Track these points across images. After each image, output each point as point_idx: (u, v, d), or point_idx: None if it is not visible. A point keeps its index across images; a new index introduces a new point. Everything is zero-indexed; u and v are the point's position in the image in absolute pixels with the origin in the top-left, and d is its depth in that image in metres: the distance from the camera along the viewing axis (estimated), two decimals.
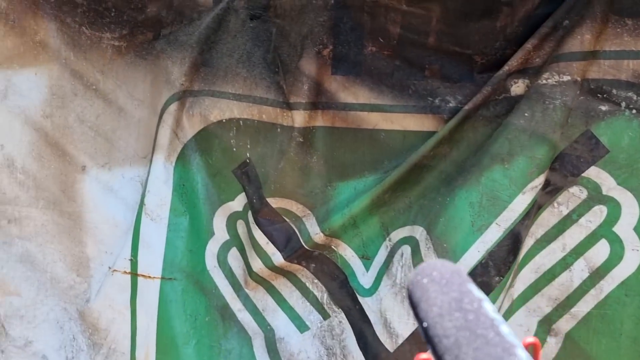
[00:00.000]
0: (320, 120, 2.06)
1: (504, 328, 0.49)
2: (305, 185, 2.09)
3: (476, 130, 1.89)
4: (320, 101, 2.04)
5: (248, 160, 2.17)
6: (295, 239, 2.12)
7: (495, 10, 1.82)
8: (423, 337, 0.53)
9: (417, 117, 1.96)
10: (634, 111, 1.77)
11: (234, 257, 2.22)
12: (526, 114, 1.78)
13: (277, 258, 2.13)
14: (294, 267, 2.17)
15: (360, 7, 1.95)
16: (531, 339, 0.54)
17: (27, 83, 2.12)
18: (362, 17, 1.96)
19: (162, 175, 2.16)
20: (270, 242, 2.14)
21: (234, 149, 2.17)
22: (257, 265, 2.16)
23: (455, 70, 1.93)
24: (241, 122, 2.14)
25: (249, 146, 2.16)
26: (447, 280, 0.54)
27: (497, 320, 0.49)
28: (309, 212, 2.12)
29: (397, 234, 2.02)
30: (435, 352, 0.50)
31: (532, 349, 0.53)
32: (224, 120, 2.16)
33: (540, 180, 1.79)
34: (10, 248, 2.27)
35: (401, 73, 1.98)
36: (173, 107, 2.17)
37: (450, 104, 1.93)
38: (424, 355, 0.53)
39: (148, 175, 2.17)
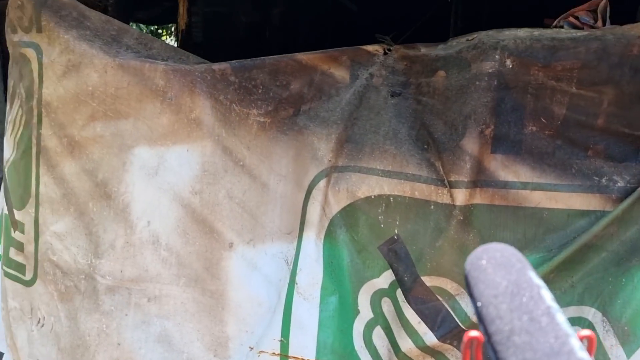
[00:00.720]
0: (479, 198, 2.06)
1: (560, 316, 0.48)
2: (462, 263, 2.07)
3: None
4: (479, 179, 2.04)
5: (396, 237, 2.16)
6: (450, 318, 2.10)
7: None
8: (476, 317, 0.53)
9: (584, 197, 1.97)
10: None
11: (378, 336, 2.20)
12: None
13: (430, 338, 2.10)
14: (445, 347, 2.14)
15: (523, 88, 1.98)
16: (587, 332, 0.53)
17: (179, 160, 2.13)
18: (524, 98, 1.99)
19: (313, 253, 2.15)
20: (422, 322, 2.11)
21: (382, 225, 2.17)
22: (407, 345, 2.13)
23: (621, 150, 1.95)
24: (391, 198, 2.14)
25: (397, 223, 2.16)
26: (505, 264, 0.55)
27: (553, 308, 0.49)
28: (463, 290, 2.10)
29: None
30: (486, 332, 0.50)
31: (587, 342, 0.52)
32: (372, 197, 2.16)
33: None
34: (149, 327, 2.24)
35: (562, 152, 1.99)
36: (322, 183, 2.18)
37: (619, 184, 1.94)
38: (473, 332, 0.54)
39: (298, 253, 2.16)
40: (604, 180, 1.96)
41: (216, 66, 2.15)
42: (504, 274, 0.54)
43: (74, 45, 2.14)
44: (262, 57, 2.21)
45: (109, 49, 2.14)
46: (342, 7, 3.42)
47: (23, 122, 2.31)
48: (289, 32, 4.10)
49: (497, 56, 1.98)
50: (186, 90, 2.12)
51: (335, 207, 2.20)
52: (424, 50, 2.22)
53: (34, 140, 2.27)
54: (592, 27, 1.96)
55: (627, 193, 1.92)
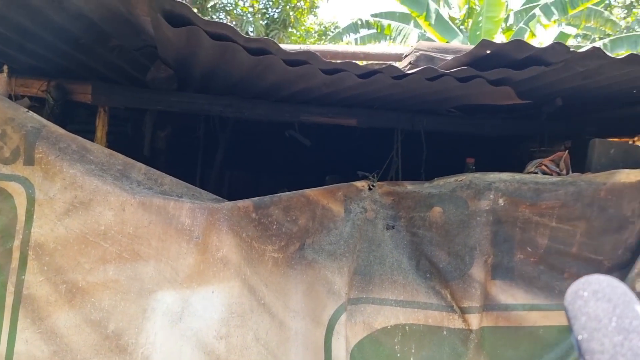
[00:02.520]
0: (486, 321, 2.29)
1: None
2: None
3: None
4: (486, 304, 2.28)
5: None
6: None
7: (623, 227, 2.35)
8: (576, 351, 0.51)
9: None
10: None
11: None
12: None
13: None
14: None
15: (513, 222, 2.34)
16: None
17: (204, 302, 2.01)
18: (514, 231, 2.35)
19: None
20: None
21: (398, 355, 2.27)
22: None
23: (588, 272, 2.37)
24: (407, 327, 2.27)
25: (413, 351, 2.27)
26: (610, 297, 0.52)
27: None
28: None
29: None
30: None
31: None
32: (389, 327, 2.27)
33: None
34: None
35: (546, 276, 2.36)
36: (343, 317, 2.22)
37: None
38: None
39: None
40: None
41: (241, 203, 2.15)
42: (607, 307, 0.51)
43: (83, 181, 1.97)
44: (278, 194, 2.28)
45: (123, 184, 2.01)
46: (297, 142, 3.64)
47: None
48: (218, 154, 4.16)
49: (491, 196, 2.33)
50: (213, 229, 2.06)
51: (352, 341, 2.24)
52: (410, 187, 2.49)
53: (10, 289, 1.94)
54: (558, 173, 2.44)
55: None
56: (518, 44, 1.91)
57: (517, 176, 2.40)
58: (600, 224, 2.35)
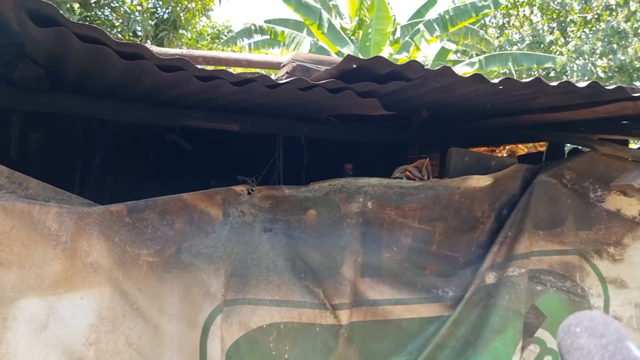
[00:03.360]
0: (355, 316, 2.46)
1: None
2: None
3: (471, 312, 2.58)
4: (355, 300, 2.46)
5: None
6: None
7: (474, 227, 2.64)
8: None
9: (428, 306, 2.57)
10: (554, 289, 2.75)
11: None
12: (506, 297, 2.58)
13: None
14: None
15: (380, 224, 2.55)
16: None
17: (71, 309, 1.98)
18: (381, 231, 2.56)
19: None
20: None
21: (273, 352, 2.37)
22: None
23: (446, 268, 2.66)
24: (282, 325, 2.38)
25: (287, 348, 2.39)
26: (602, 333, 0.52)
27: None
28: None
29: None
30: None
31: None
32: (264, 326, 2.36)
33: (521, 343, 2.56)
34: None
35: (410, 273, 2.60)
36: (219, 319, 2.28)
37: (450, 294, 2.61)
38: None
39: None
40: (439, 292, 2.60)
41: (113, 207, 2.14)
42: (600, 343, 0.52)
43: None
44: (153, 198, 2.28)
45: None
46: (178, 146, 3.61)
47: None
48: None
49: (361, 199, 2.52)
50: (83, 234, 2.03)
51: (228, 341, 2.31)
52: (288, 191, 2.61)
53: None
54: (420, 179, 2.69)
55: (456, 300, 2.60)
56: (379, 60, 2.10)
57: (384, 181, 2.61)
58: (456, 224, 2.63)
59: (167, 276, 2.29)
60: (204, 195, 2.45)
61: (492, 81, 2.25)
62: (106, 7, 8.66)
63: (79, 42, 1.90)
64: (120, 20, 8.69)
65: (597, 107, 2.58)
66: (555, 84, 2.25)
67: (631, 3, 14.71)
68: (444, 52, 16.07)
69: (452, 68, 2.17)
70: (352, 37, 15.50)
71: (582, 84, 2.27)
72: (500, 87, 2.32)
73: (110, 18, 9.09)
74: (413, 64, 2.13)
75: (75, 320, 1.98)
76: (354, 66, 2.16)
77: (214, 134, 3.35)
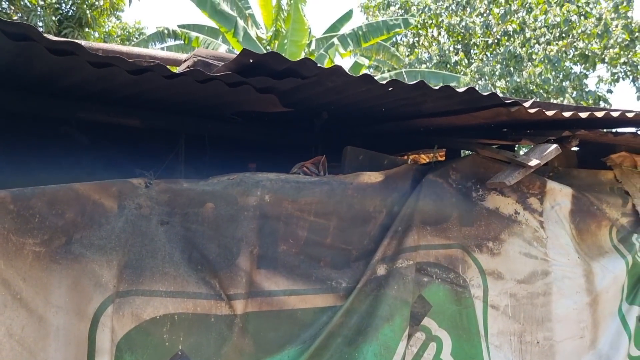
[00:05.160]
0: (251, 306, 2.53)
1: None
2: None
3: (362, 301, 2.73)
4: (251, 291, 2.53)
5: (180, 353, 2.40)
6: None
7: (367, 221, 2.81)
8: None
9: (323, 297, 2.69)
10: (439, 280, 2.97)
11: None
12: (395, 287, 2.76)
13: None
14: None
15: (277, 217, 2.64)
16: None
17: None
18: (278, 224, 2.65)
19: None
20: None
21: (167, 343, 2.38)
22: None
23: (340, 260, 2.79)
24: (176, 316, 2.40)
25: (182, 338, 2.41)
26: None
27: None
28: None
29: None
30: None
31: None
32: (158, 317, 2.37)
33: (408, 330, 2.75)
34: None
35: (305, 264, 2.70)
36: (110, 309, 2.26)
37: (343, 285, 2.74)
38: None
39: None
40: (333, 283, 2.73)
41: None
42: None
43: None
44: (42, 186, 2.23)
45: None
46: (74, 140, 3.49)
47: None
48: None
49: (258, 192, 2.60)
50: None
51: (119, 332, 2.29)
52: (186, 185, 2.64)
53: None
54: (317, 174, 2.81)
55: (349, 291, 2.74)
56: (275, 55, 2.20)
57: (282, 176, 2.71)
58: (349, 218, 2.78)
59: (55, 267, 2.23)
60: (98, 186, 2.42)
61: (381, 82, 2.42)
62: (4, 0, 8.19)
63: None
64: (20, 14, 8.23)
65: (476, 112, 2.85)
66: (437, 87, 2.47)
67: (526, 30, 16.06)
68: (357, 66, 16.64)
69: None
70: (268, 47, 15.64)
71: (461, 89, 2.51)
72: (390, 89, 2.51)
73: (9, 11, 8.59)
74: (307, 62, 2.26)
75: None
76: (251, 61, 2.25)
77: (115, 129, 3.30)
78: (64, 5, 8.89)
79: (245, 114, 3.45)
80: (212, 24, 14.80)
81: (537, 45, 16.18)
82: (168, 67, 2.21)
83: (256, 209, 2.59)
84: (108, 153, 3.63)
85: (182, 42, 13.86)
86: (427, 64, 18.26)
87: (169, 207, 2.59)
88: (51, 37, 1.96)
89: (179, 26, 14.14)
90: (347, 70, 2.34)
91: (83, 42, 2.46)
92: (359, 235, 2.84)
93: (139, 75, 2.21)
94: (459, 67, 17.79)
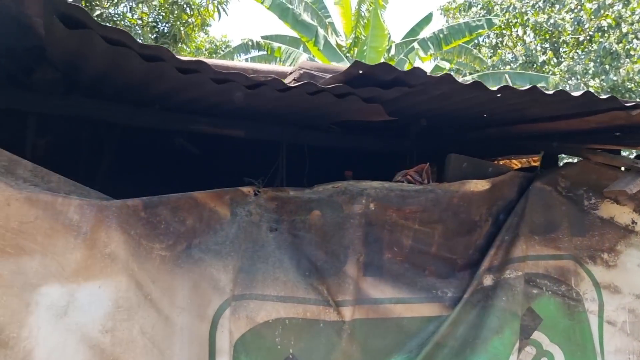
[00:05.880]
0: (358, 313, 2.58)
1: None
2: None
3: (469, 312, 2.70)
4: (358, 298, 2.57)
5: (291, 356, 2.48)
6: None
7: (472, 230, 2.78)
8: None
9: (428, 306, 2.69)
10: (549, 292, 2.88)
11: None
12: (503, 298, 2.70)
13: None
14: None
15: (382, 225, 2.68)
16: None
17: (89, 297, 2.09)
18: (383, 232, 2.68)
19: None
20: None
21: (278, 347, 2.48)
22: None
23: (444, 269, 2.78)
24: (287, 321, 2.49)
25: (292, 342, 2.49)
26: None
27: None
28: None
29: None
30: None
31: None
32: (270, 321, 2.47)
33: (518, 344, 2.68)
34: None
35: (410, 273, 2.72)
36: (227, 312, 2.38)
37: (449, 294, 2.73)
38: None
39: None
40: (439, 292, 2.72)
41: (130, 202, 2.25)
42: None
43: None
44: (167, 195, 2.40)
45: (8, 180, 2.04)
46: (186, 150, 3.74)
47: None
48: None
49: (363, 200, 2.65)
50: (102, 225, 2.14)
51: (236, 334, 2.42)
52: (292, 193, 2.74)
53: None
54: (421, 182, 2.83)
55: (455, 301, 2.72)
56: (384, 66, 2.25)
57: (386, 184, 2.75)
58: (454, 227, 2.77)
59: (178, 270, 2.40)
60: (213, 194, 2.57)
61: (490, 89, 2.40)
62: (108, 21, 8.83)
63: (104, 44, 2.04)
64: None
65: (590, 116, 2.74)
66: (551, 92, 2.41)
67: (623, 25, 15.13)
68: (437, 70, 16.41)
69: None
70: (348, 54, 15.79)
71: (576, 93, 2.43)
72: (499, 95, 2.48)
73: None
74: (416, 71, 2.28)
75: (93, 307, 2.09)
76: (360, 72, 2.31)
77: (219, 140, 3.47)
78: (160, 23, 9.47)
79: (341, 123, 3.52)
80: (293, 33, 15.19)
81: (635, 41, 15.19)
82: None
83: (361, 217, 2.65)
84: (216, 162, 3.84)
85: (265, 52, 14.30)
86: (512, 64, 17.67)
87: (277, 215, 2.71)
88: (178, 57, 2.12)
89: (262, 37, 14.60)
90: (455, 78, 2.34)
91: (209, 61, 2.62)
92: (464, 244, 2.82)
93: (254, 90, 2.33)
94: (546, 66, 17.07)
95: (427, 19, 16.88)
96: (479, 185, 2.80)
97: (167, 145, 3.73)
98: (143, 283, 2.24)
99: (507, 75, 14.76)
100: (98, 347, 2.08)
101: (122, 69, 2.34)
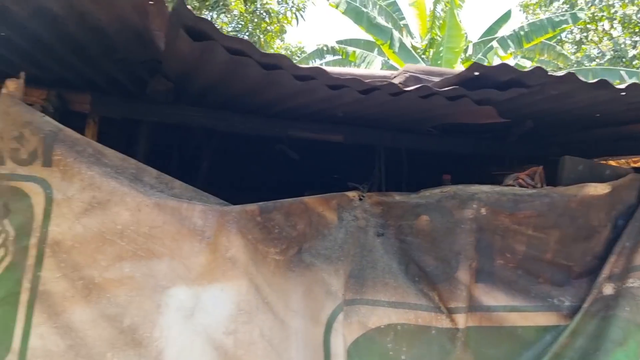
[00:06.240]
0: (471, 321, 2.51)
1: None
2: None
3: (589, 322, 2.57)
4: (471, 305, 2.51)
5: None
6: None
7: (590, 236, 2.64)
8: None
9: (545, 315, 2.58)
10: None
11: None
12: (626, 308, 2.55)
13: None
14: None
15: (493, 230, 2.60)
16: None
17: (213, 299, 2.16)
18: (494, 238, 2.60)
19: None
20: None
21: (390, 353, 2.46)
22: None
23: (560, 277, 2.66)
24: (399, 327, 2.47)
25: (404, 349, 2.47)
26: None
27: None
28: None
29: None
30: None
31: None
32: (382, 326, 2.45)
33: None
34: None
35: (523, 280, 2.62)
36: (341, 316, 2.39)
37: (566, 303, 2.60)
38: None
39: None
40: (555, 301, 2.61)
41: (248, 207, 2.32)
42: None
43: (101, 182, 2.10)
44: (280, 200, 2.45)
45: (137, 186, 2.15)
46: (285, 156, 3.83)
47: (5, 264, 2.07)
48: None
49: (474, 205, 2.58)
50: (223, 230, 2.22)
51: (349, 339, 2.42)
52: (398, 198, 2.72)
53: (25, 285, 2.03)
54: (533, 186, 2.72)
55: (572, 310, 2.59)
56: (504, 67, 2.19)
57: (497, 188, 2.67)
58: (571, 233, 2.64)
59: (291, 274, 2.44)
60: (321, 199, 2.60)
61: (617, 87, 2.27)
62: None
63: (225, 54, 2.11)
64: None
65: None
66: None
67: None
68: (518, 68, 15.79)
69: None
70: (423, 56, 15.57)
71: None
72: (623, 94, 2.34)
73: None
74: (536, 71, 2.20)
75: (217, 310, 2.17)
76: (476, 74, 2.26)
77: (319, 145, 3.51)
78: (239, 32, 9.76)
79: (439, 126, 3.46)
80: (367, 37, 15.16)
81: None
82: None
83: (472, 222, 2.58)
84: (315, 167, 3.89)
85: (340, 57, 14.37)
86: (598, 60, 16.75)
87: (383, 219, 2.70)
88: (296, 64, 2.16)
89: (337, 42, 14.68)
90: (578, 76, 2.24)
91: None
92: (582, 250, 2.68)
93: (366, 95, 2.34)
94: (637, 61, 16.05)
95: (506, 17, 16.32)
96: (599, 189, 2.66)
97: (263, 151, 3.82)
98: (261, 287, 2.29)
99: (593, 72, 14.00)
100: (222, 349, 2.15)
101: (236, 77, 2.41)
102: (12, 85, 2.25)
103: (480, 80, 2.35)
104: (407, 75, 2.79)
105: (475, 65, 2.22)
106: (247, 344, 2.18)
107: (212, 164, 4.27)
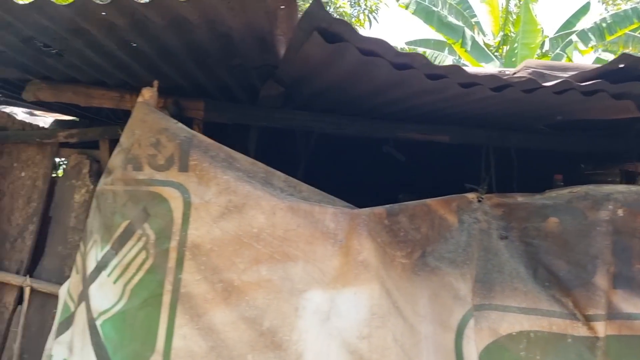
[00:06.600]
0: (610, 329, 2.36)
1: None
2: None
3: None
4: (609, 312, 2.36)
5: None
6: None
7: None
8: None
9: None
10: None
11: None
12: None
13: None
14: None
15: (631, 233, 2.44)
16: None
17: (347, 303, 2.14)
18: (632, 241, 2.44)
19: None
20: None
21: None
22: None
23: None
24: (532, 334, 2.35)
25: (538, 357, 2.35)
26: None
27: None
28: None
29: None
30: None
31: None
32: (513, 333, 2.35)
33: None
34: None
35: None
36: (472, 322, 2.31)
37: None
38: None
39: None
40: None
41: (376, 210, 2.29)
42: None
43: (236, 186, 2.13)
44: (405, 202, 2.40)
45: (270, 190, 2.16)
46: (391, 157, 3.80)
47: (147, 266, 2.13)
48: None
49: (610, 206, 2.43)
50: (354, 233, 2.20)
51: (480, 345, 2.34)
52: (521, 199, 2.60)
53: (167, 287, 2.09)
54: None
55: None
56: None
57: (634, 188, 2.50)
58: None
59: (416, 278, 2.39)
60: (442, 202, 2.54)
61: None
62: None
63: (357, 55, 2.08)
64: None
65: None
66: None
67: None
68: (599, 63, 15.04)
69: None
70: (496, 53, 15.12)
71: None
72: None
73: None
74: None
75: (351, 314, 2.14)
76: (621, 66, 2.12)
77: (425, 145, 3.44)
78: None
79: (553, 124, 3.30)
80: (437, 36, 14.90)
81: None
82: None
83: (608, 224, 2.44)
84: (421, 168, 3.83)
85: None
86: None
87: (505, 222, 2.60)
88: (431, 63, 2.10)
89: (407, 43, 14.52)
90: None
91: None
92: None
93: (498, 92, 2.25)
94: None
95: (584, 9, 15.56)
96: None
97: (364, 152, 3.78)
98: (391, 291, 2.25)
99: None
100: (357, 353, 2.12)
101: (362, 79, 2.38)
102: (148, 93, 2.34)
103: (622, 73, 2.21)
104: (529, 70, 2.67)
105: (623, 56, 2.08)
106: (381, 349, 2.14)
107: (308, 169, 4.29)
